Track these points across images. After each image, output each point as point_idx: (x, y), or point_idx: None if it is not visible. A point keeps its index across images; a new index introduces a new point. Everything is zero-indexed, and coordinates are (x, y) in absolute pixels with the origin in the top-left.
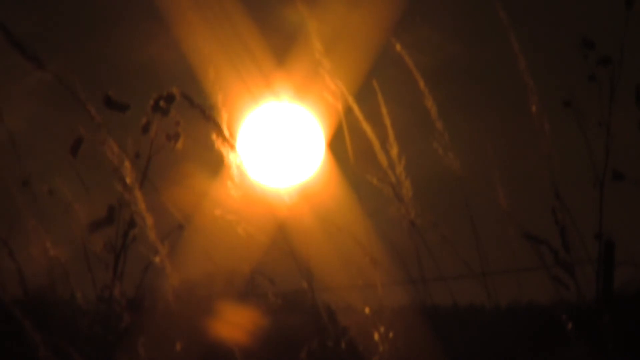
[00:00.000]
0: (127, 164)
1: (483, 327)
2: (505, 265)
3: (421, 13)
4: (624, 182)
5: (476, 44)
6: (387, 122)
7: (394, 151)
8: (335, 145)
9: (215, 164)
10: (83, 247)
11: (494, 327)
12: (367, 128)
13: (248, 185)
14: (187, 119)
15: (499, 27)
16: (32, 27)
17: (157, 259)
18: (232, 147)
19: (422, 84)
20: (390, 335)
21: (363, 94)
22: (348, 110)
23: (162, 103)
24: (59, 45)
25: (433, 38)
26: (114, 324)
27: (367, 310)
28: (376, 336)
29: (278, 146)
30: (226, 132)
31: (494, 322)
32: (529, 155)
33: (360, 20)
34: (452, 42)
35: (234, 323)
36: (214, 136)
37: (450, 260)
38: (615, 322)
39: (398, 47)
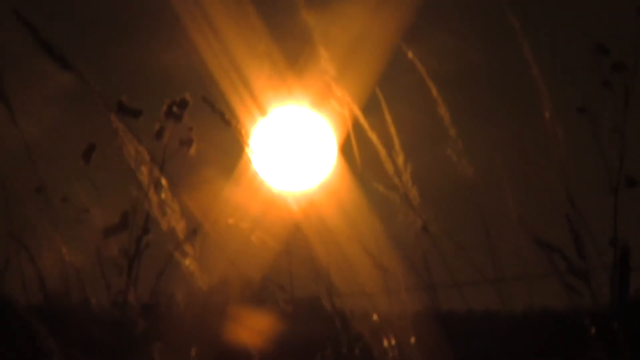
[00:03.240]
0: (144, 167)
1: (498, 333)
2: (519, 271)
3: (437, 19)
4: (639, 188)
5: (491, 50)
6: (392, 130)
7: (401, 159)
8: (348, 150)
9: (231, 169)
10: (97, 253)
11: (509, 334)
12: (373, 137)
13: (263, 190)
14: (200, 124)
15: (514, 34)
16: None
17: (186, 262)
18: (252, 152)
19: (434, 90)
20: (404, 341)
21: (378, 100)
22: (358, 117)
23: (175, 109)
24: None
25: (448, 44)
26: (129, 329)
27: (381, 316)
28: (390, 342)
29: (291, 151)
30: (246, 137)
31: (509, 329)
32: (543, 161)
33: (377, 25)
34: (467, 49)
35: (249, 329)
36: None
37: (464, 267)
38: (631, 329)
39: (410, 54)
